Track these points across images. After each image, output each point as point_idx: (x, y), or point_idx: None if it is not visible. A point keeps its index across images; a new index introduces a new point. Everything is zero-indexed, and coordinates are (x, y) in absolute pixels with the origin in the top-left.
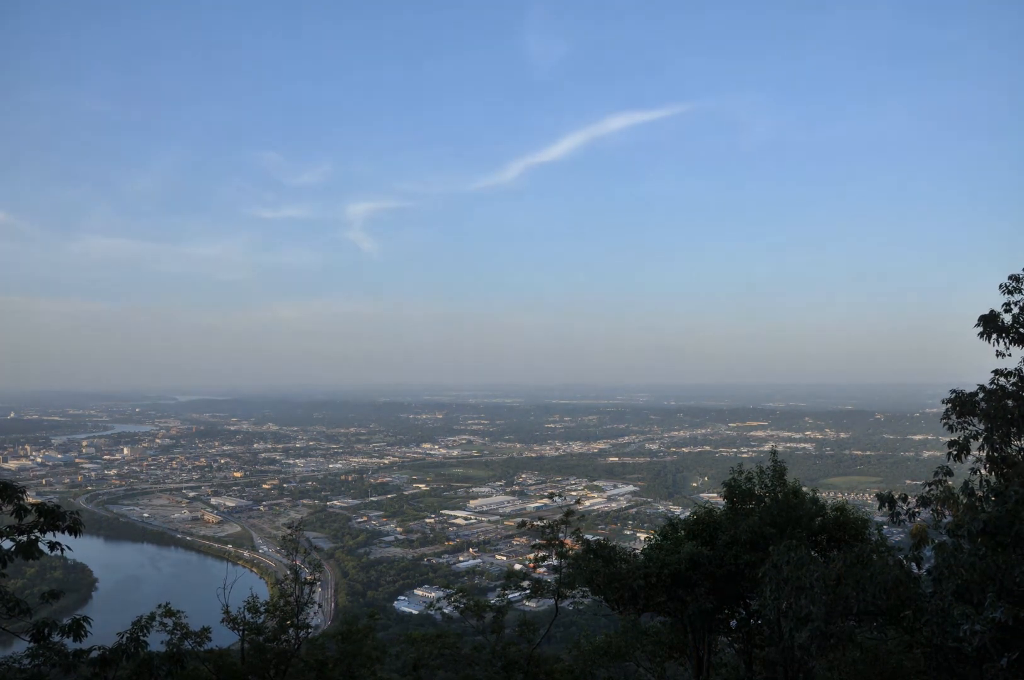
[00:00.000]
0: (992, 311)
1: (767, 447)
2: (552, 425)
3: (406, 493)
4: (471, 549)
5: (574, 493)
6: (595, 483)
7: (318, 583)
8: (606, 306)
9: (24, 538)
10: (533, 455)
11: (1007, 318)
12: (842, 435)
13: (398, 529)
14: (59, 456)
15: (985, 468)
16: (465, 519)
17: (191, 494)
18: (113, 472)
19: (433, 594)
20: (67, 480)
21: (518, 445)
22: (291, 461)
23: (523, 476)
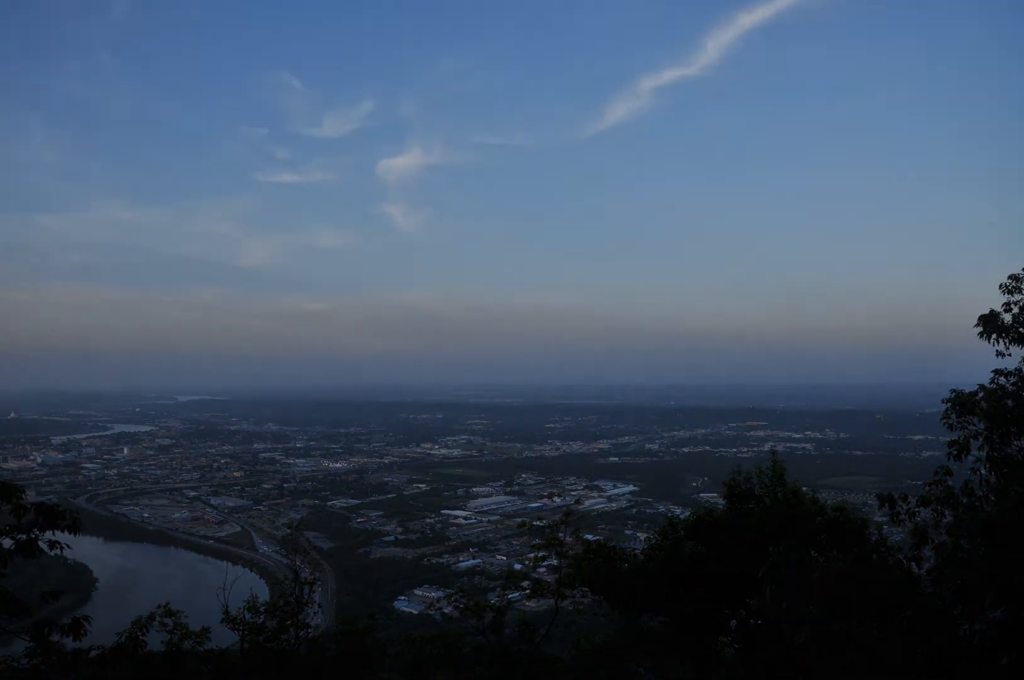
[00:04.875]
0: (992, 311)
1: (767, 447)
2: (552, 425)
3: (406, 493)
4: (471, 549)
5: (574, 493)
6: (595, 483)
7: (318, 583)
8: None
9: (24, 537)
10: (533, 455)
11: (1007, 318)
12: (842, 435)
13: (398, 529)
14: (59, 456)
15: (985, 468)
16: (465, 519)
17: (191, 494)
18: (113, 472)
19: (433, 594)
20: (67, 480)
21: (518, 445)
22: (291, 461)
23: (523, 476)
